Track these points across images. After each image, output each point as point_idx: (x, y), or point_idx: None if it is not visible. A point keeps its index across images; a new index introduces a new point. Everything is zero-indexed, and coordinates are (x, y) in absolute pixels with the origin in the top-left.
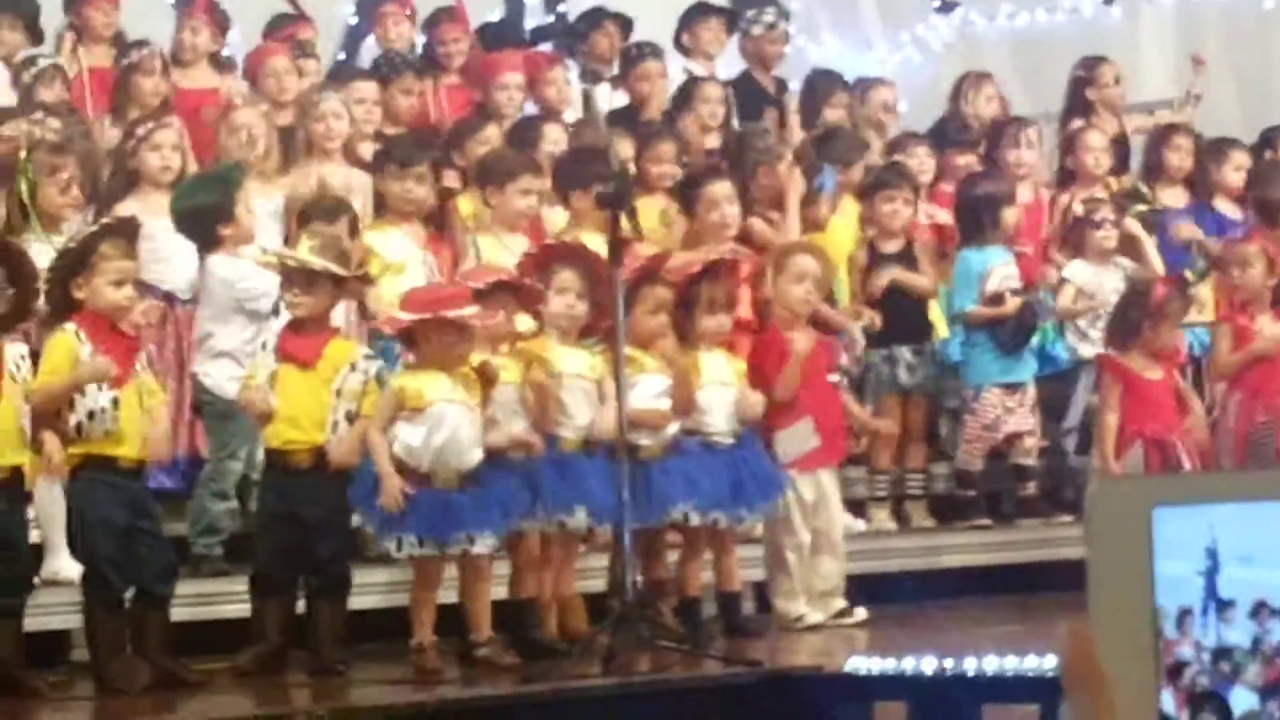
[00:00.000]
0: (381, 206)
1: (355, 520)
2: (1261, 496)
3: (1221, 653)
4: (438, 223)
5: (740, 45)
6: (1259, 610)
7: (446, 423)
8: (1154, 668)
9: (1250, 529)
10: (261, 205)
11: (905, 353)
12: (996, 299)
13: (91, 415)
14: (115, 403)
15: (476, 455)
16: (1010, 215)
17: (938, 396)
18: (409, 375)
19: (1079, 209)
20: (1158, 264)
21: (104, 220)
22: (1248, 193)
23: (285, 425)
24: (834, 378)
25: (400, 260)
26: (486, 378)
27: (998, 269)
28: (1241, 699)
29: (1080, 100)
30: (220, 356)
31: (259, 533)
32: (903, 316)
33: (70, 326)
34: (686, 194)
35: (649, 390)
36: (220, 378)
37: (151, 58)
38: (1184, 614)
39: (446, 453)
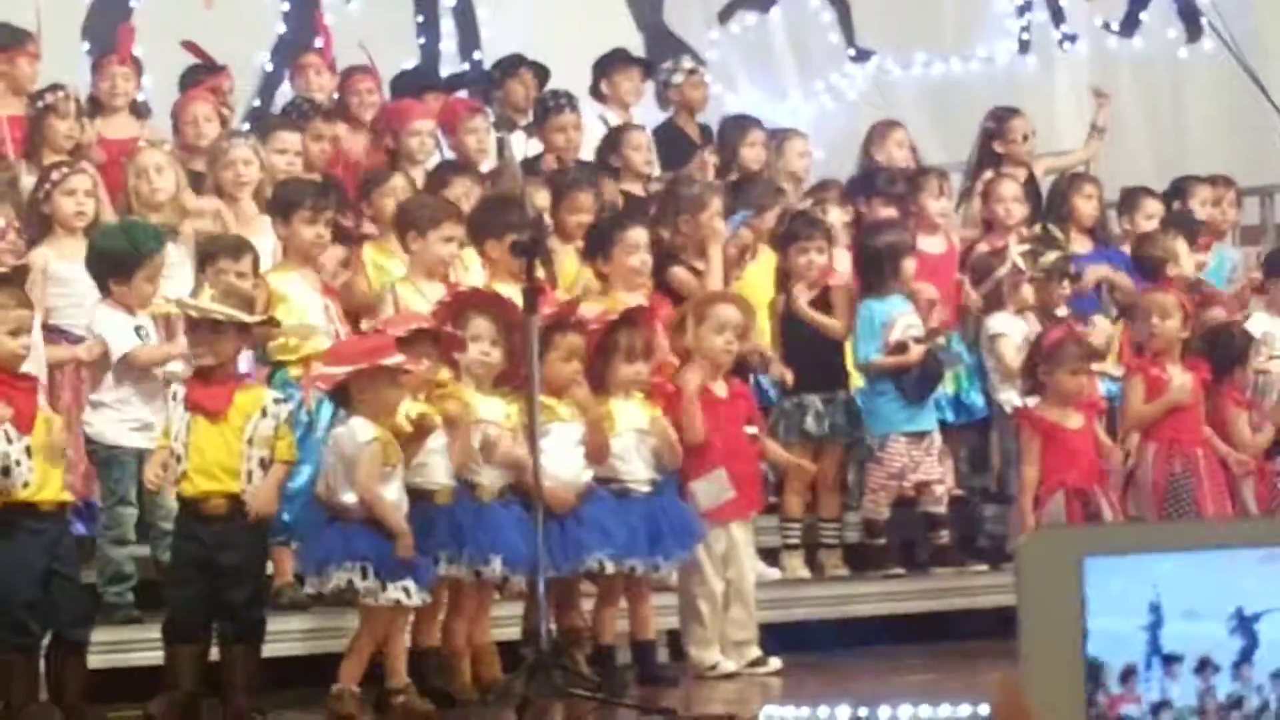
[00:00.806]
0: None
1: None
2: (1196, 546)
3: (1165, 708)
4: (334, 272)
5: (661, 94)
6: (1204, 667)
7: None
8: (1084, 719)
9: (1193, 582)
10: (171, 248)
11: (815, 401)
12: (900, 348)
13: (7, 471)
14: (28, 451)
15: (403, 502)
16: (910, 266)
17: (850, 446)
18: (379, 428)
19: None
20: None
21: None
22: (1133, 248)
23: (199, 476)
24: (751, 429)
25: (303, 306)
26: (424, 429)
27: (901, 318)
28: None
29: (989, 152)
30: (100, 406)
31: (172, 580)
32: (817, 365)
33: None
34: (602, 238)
35: (564, 439)
36: (101, 425)
37: (66, 100)
38: (1128, 671)
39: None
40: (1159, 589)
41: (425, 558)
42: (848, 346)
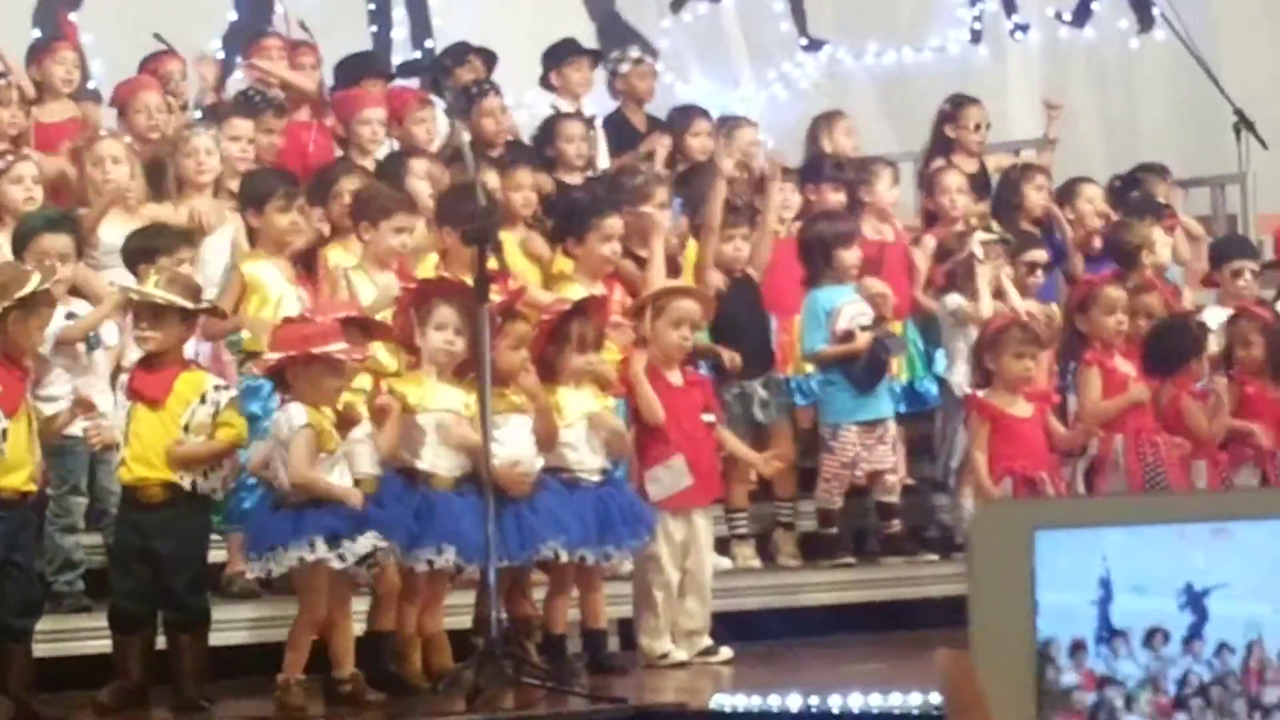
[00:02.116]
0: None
1: (218, 555)
2: (1145, 520)
3: (1113, 683)
4: (306, 263)
5: (609, 83)
6: (1152, 637)
7: (329, 464)
8: (1034, 693)
9: (1142, 557)
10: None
11: (757, 388)
12: (847, 337)
13: None
14: (4, 434)
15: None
16: (849, 256)
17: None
18: (315, 414)
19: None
20: (1014, 297)
21: None
22: (1106, 235)
23: (137, 463)
24: (708, 418)
25: (277, 295)
26: (349, 420)
27: (847, 307)
28: None
29: (941, 137)
30: (50, 400)
31: (114, 568)
32: (751, 349)
33: None
34: (580, 221)
35: (518, 427)
36: (47, 413)
37: (9, 89)
38: (1077, 645)
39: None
40: (1108, 563)
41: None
42: (773, 325)
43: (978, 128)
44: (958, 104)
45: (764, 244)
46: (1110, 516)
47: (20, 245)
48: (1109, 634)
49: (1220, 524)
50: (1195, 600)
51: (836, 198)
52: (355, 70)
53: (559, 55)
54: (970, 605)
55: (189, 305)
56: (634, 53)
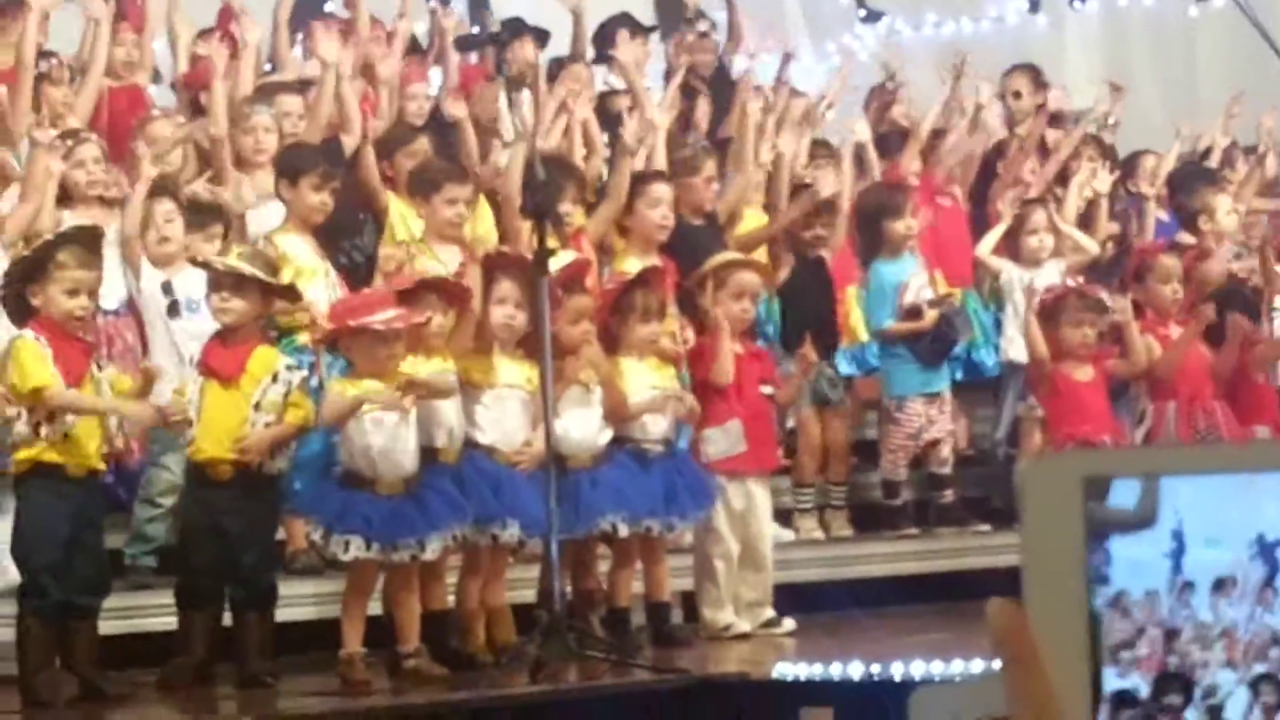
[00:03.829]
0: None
1: (281, 533)
2: (1194, 469)
3: (1184, 635)
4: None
5: (672, 54)
6: (1221, 587)
7: (384, 429)
8: (1088, 650)
9: (1214, 508)
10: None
11: (826, 366)
12: (914, 312)
13: (51, 417)
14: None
15: (414, 461)
16: (899, 226)
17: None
18: (348, 382)
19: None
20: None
21: (63, 229)
22: (1170, 197)
23: (207, 440)
24: (767, 390)
25: (309, 268)
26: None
27: (913, 279)
28: (1207, 679)
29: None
30: None
31: (183, 545)
32: (815, 322)
33: (29, 333)
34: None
35: (582, 402)
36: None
37: (60, 68)
38: (1150, 595)
39: (387, 459)
40: (1181, 515)
41: (441, 514)
42: (850, 299)
43: (1017, 96)
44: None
45: (839, 226)
46: (1157, 465)
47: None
48: (1181, 585)
49: None
50: (1267, 551)
51: (914, 167)
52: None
53: (612, 30)
54: (1022, 561)
55: (270, 279)
56: (702, 25)
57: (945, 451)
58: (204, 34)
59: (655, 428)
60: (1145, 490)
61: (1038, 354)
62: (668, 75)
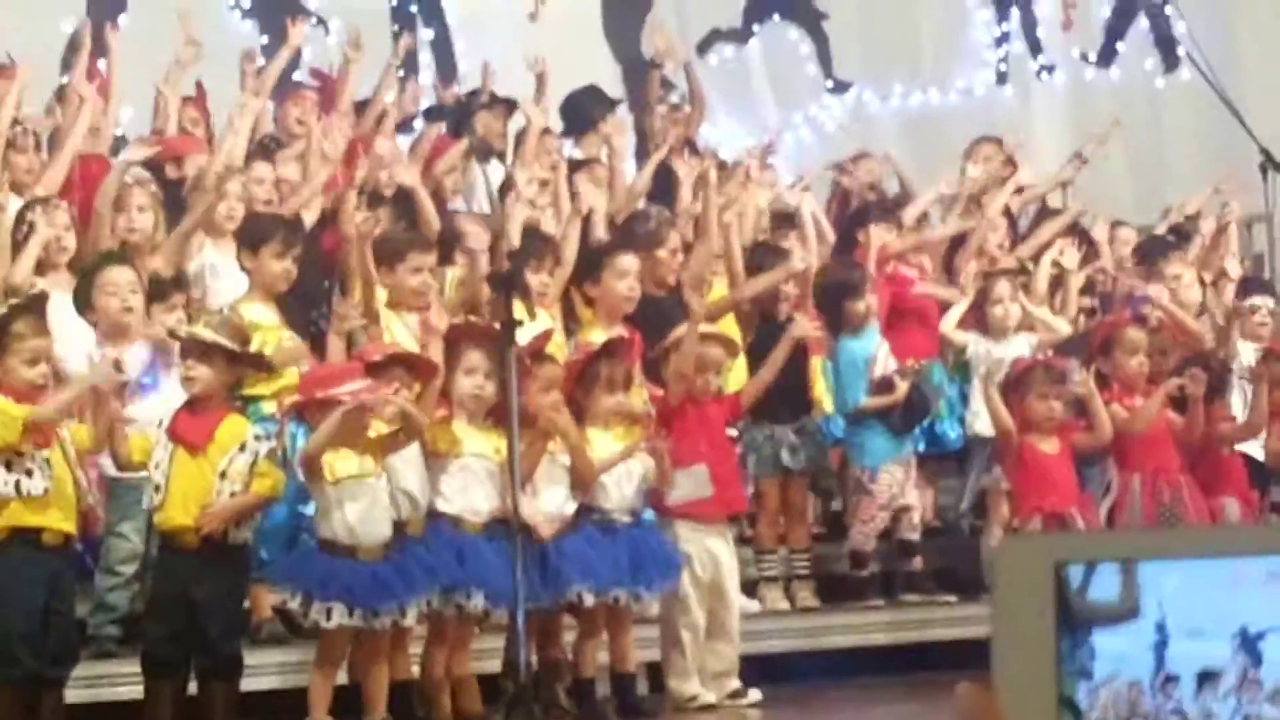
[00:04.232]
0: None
1: (247, 603)
2: (1164, 555)
3: None
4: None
5: (653, 128)
6: (1205, 680)
7: (362, 496)
8: None
9: (1197, 599)
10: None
11: (788, 433)
12: (886, 384)
13: (30, 473)
14: (48, 462)
15: (390, 528)
16: (858, 306)
17: (818, 476)
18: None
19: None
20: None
21: (13, 301)
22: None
23: (174, 508)
24: (732, 432)
25: (273, 340)
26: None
27: (880, 351)
28: None
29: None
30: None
31: (150, 613)
32: (784, 394)
33: None
34: (593, 262)
35: (552, 471)
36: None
37: (25, 135)
38: (1133, 688)
39: (367, 526)
40: (1164, 607)
41: (417, 581)
42: (815, 371)
43: (987, 160)
44: (978, 143)
45: (809, 296)
46: (1128, 549)
47: (87, 286)
48: (1165, 679)
49: (1273, 567)
50: (1250, 643)
51: (889, 235)
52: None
53: (590, 105)
54: (993, 643)
55: (233, 347)
56: (674, 98)
57: (915, 518)
58: (186, 102)
59: (621, 498)
60: (1125, 582)
61: (1002, 426)
62: (640, 147)
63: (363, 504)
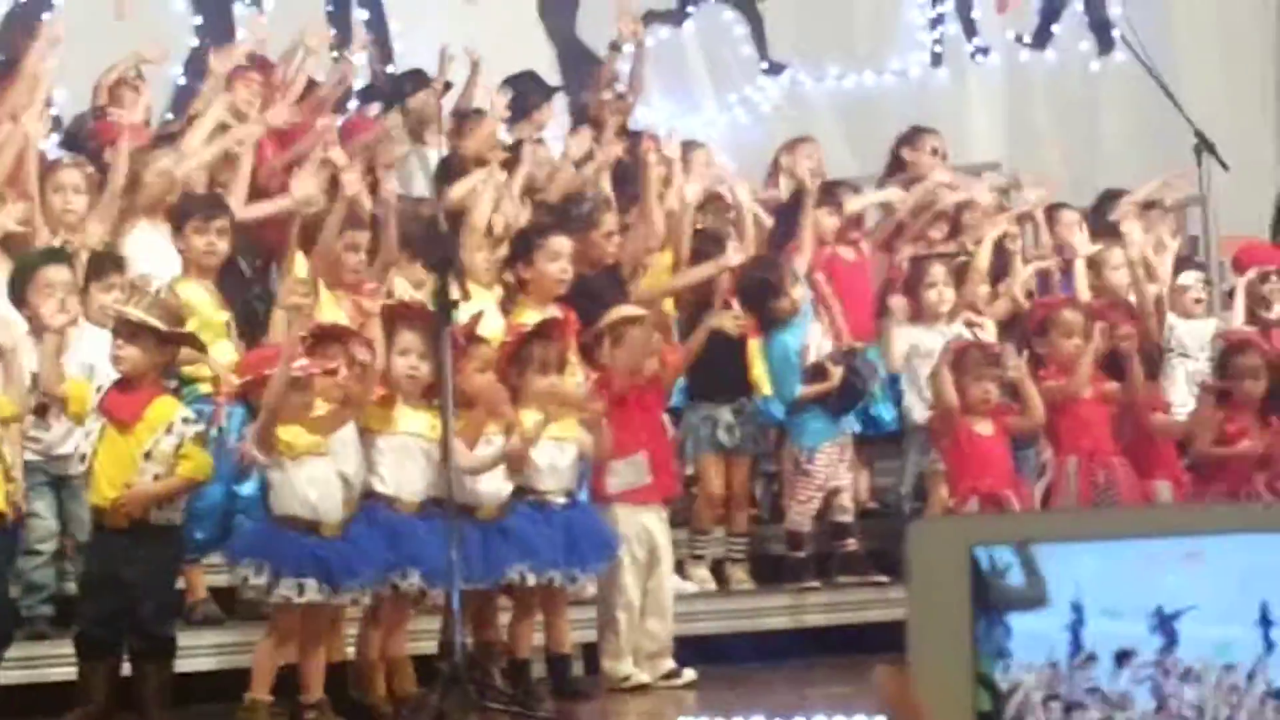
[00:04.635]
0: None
1: (181, 583)
2: (1081, 536)
3: (1083, 707)
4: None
5: (596, 111)
6: (1122, 659)
7: (316, 475)
8: (973, 715)
9: (1113, 580)
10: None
11: (725, 412)
12: (818, 371)
13: None
14: None
15: (344, 505)
16: (781, 303)
17: (758, 457)
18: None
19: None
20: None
21: None
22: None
23: (104, 485)
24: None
25: (208, 316)
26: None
27: (812, 340)
28: None
29: (897, 160)
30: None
31: (82, 594)
32: (719, 372)
33: None
34: (525, 244)
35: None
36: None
37: None
38: (1050, 668)
39: (323, 503)
40: (1081, 587)
41: (374, 558)
42: (751, 352)
43: (934, 153)
44: (916, 130)
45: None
46: (1047, 532)
47: (23, 281)
48: (1083, 657)
49: (1192, 547)
50: (1165, 623)
51: (830, 222)
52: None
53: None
54: (909, 623)
55: (160, 326)
56: (620, 87)
57: (846, 500)
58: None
59: (556, 480)
60: (1027, 571)
61: (946, 402)
62: (575, 126)
63: (320, 481)
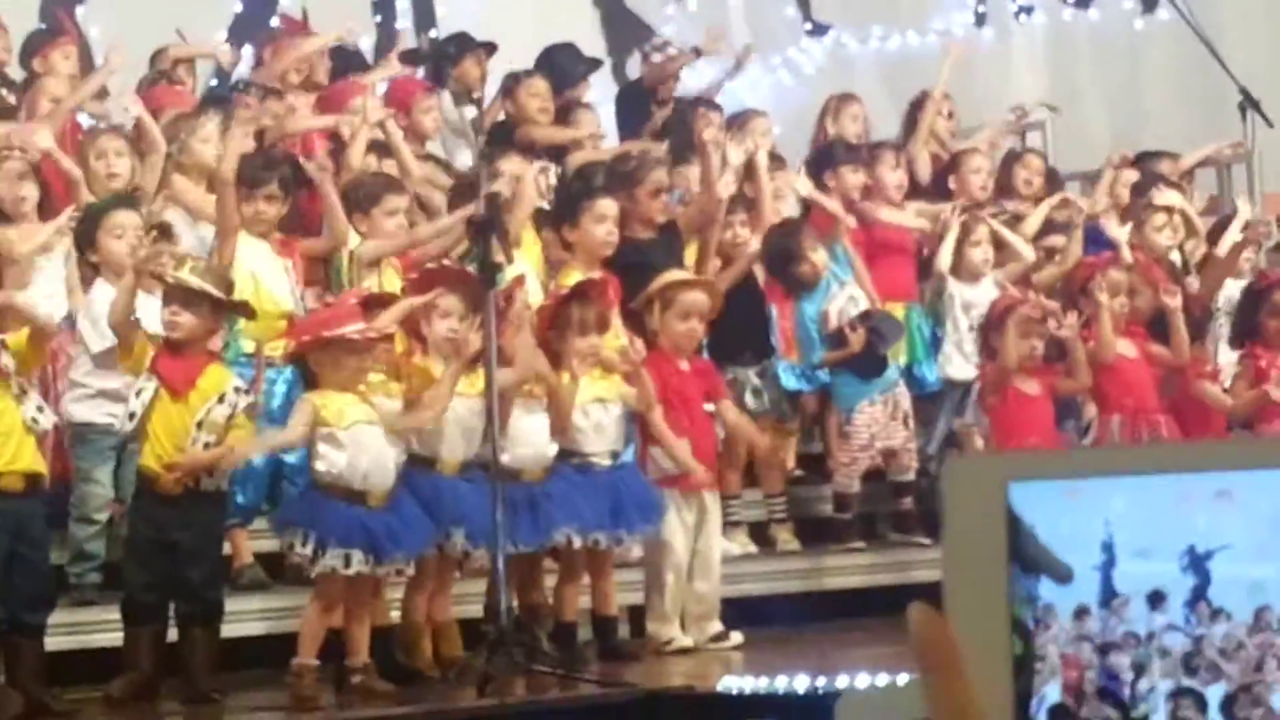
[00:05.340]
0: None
1: (227, 548)
2: (1121, 470)
3: (1117, 648)
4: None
5: (646, 75)
6: (1154, 601)
7: (367, 444)
8: (1009, 659)
9: (1144, 520)
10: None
11: (750, 376)
12: (839, 336)
13: None
14: None
15: (394, 475)
16: (802, 269)
17: (783, 419)
18: (322, 395)
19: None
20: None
21: None
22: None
23: (152, 451)
24: (709, 407)
25: (261, 270)
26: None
27: (831, 305)
28: (1140, 694)
29: (912, 122)
30: (74, 385)
31: (129, 559)
32: (743, 335)
33: None
34: (571, 205)
35: (531, 414)
36: (73, 403)
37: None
38: (1080, 610)
39: (374, 473)
40: (1111, 528)
41: (420, 527)
42: (773, 314)
43: (950, 116)
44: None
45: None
46: (1086, 467)
47: (93, 226)
48: (1111, 599)
49: (1222, 485)
50: (1198, 562)
51: (855, 179)
52: (349, 62)
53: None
54: (944, 564)
55: (218, 294)
56: (672, 48)
57: (905, 460)
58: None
59: (600, 441)
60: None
61: (1005, 360)
62: (622, 94)
63: (373, 451)
